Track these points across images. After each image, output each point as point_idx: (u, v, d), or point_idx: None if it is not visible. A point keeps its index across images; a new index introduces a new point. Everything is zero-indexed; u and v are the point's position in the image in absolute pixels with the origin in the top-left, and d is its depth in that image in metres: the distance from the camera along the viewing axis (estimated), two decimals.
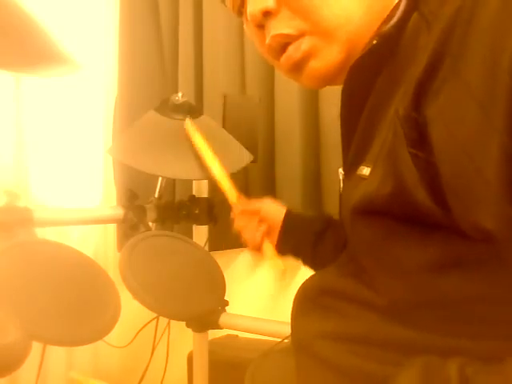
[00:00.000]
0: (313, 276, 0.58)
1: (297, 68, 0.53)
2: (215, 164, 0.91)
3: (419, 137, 0.40)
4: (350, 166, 0.51)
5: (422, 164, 0.40)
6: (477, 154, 0.37)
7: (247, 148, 1.09)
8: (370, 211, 0.46)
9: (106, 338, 0.80)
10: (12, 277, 0.76)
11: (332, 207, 1.31)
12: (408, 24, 0.47)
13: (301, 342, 0.54)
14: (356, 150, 0.51)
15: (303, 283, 0.58)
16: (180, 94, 1.04)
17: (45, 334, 0.72)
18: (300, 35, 0.50)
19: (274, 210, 0.84)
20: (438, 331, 0.42)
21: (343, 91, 0.51)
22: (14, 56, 0.67)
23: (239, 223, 0.84)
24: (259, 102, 1.20)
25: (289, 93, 1.34)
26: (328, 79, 0.53)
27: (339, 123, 0.54)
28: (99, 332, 0.79)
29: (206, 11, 1.44)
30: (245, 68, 1.42)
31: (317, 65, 0.51)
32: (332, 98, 1.29)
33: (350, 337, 0.48)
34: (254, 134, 1.17)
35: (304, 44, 0.50)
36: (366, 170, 0.47)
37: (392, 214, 0.44)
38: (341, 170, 0.56)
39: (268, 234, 0.81)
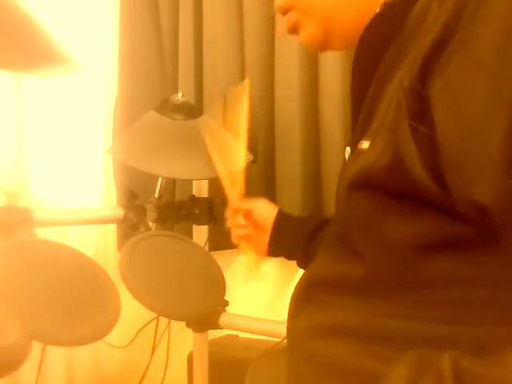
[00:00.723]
0: (303, 273, 0.59)
1: (293, 33, 0.60)
2: (242, 149, 0.88)
3: (421, 110, 0.40)
4: (355, 142, 0.51)
5: (421, 138, 0.39)
6: (483, 126, 0.36)
7: (247, 148, 1.08)
8: (366, 184, 0.46)
9: (106, 338, 0.81)
10: (12, 277, 0.76)
11: (332, 207, 1.31)
12: None
13: (293, 338, 0.54)
14: (361, 124, 0.51)
15: (297, 282, 0.58)
16: (180, 94, 1.04)
17: (45, 334, 0.72)
18: (289, 8, 0.58)
19: (267, 210, 0.83)
20: (424, 318, 0.42)
21: (353, 64, 0.53)
22: (14, 56, 0.67)
23: (231, 220, 0.84)
24: (259, 102, 1.20)
25: (289, 93, 1.34)
26: (318, 48, 0.59)
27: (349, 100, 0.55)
28: (99, 332, 0.79)
29: (205, 11, 1.44)
30: (245, 68, 1.42)
31: (302, 36, 0.59)
32: (332, 98, 1.29)
33: (337, 331, 0.48)
34: (254, 134, 1.17)
35: (291, 16, 0.58)
36: (365, 144, 0.47)
37: (386, 187, 0.44)
38: (348, 149, 0.56)
39: (254, 237, 0.81)
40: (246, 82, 0.92)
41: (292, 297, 0.57)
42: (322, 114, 1.30)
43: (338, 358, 0.46)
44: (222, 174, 0.88)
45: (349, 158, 0.54)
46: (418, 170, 0.40)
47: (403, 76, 0.42)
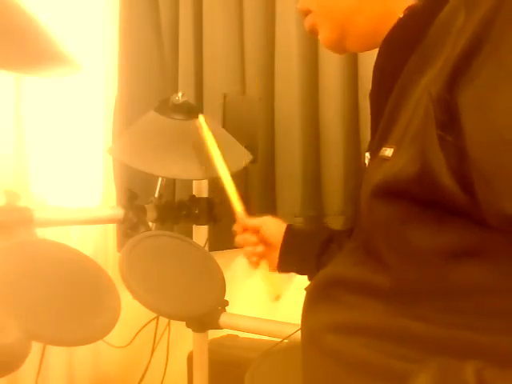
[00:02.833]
0: (322, 271, 0.58)
1: (313, 34, 0.63)
2: (226, 172, 0.90)
3: (449, 120, 0.39)
4: (376, 148, 0.50)
5: (449, 147, 0.39)
6: None
7: (247, 148, 1.09)
8: (391, 193, 0.45)
9: (106, 338, 0.81)
10: (12, 276, 0.76)
11: (332, 207, 1.31)
12: (443, 4, 0.46)
13: (310, 334, 0.53)
14: (382, 130, 0.50)
15: (316, 275, 0.57)
16: (180, 94, 1.04)
17: (45, 334, 0.72)
18: (308, 12, 0.61)
19: (274, 227, 0.82)
20: (449, 324, 0.42)
21: (374, 68, 0.53)
22: (14, 56, 0.67)
23: (240, 240, 0.84)
24: (259, 102, 1.20)
25: (289, 93, 1.34)
26: (336, 49, 0.62)
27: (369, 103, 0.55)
28: (99, 332, 0.79)
29: (205, 11, 1.44)
30: (245, 68, 1.42)
31: (321, 38, 0.61)
32: (332, 98, 1.29)
33: (360, 330, 0.47)
34: (254, 134, 1.17)
35: (310, 19, 0.61)
36: (388, 151, 0.47)
37: (413, 196, 0.43)
38: (367, 155, 0.56)
39: (267, 253, 0.81)
40: (201, 118, 0.98)
41: (308, 293, 0.57)
42: (322, 114, 1.30)
43: (360, 355, 0.46)
44: (228, 187, 0.87)
45: (370, 164, 0.53)
46: (446, 179, 0.39)
47: (430, 83, 0.42)
